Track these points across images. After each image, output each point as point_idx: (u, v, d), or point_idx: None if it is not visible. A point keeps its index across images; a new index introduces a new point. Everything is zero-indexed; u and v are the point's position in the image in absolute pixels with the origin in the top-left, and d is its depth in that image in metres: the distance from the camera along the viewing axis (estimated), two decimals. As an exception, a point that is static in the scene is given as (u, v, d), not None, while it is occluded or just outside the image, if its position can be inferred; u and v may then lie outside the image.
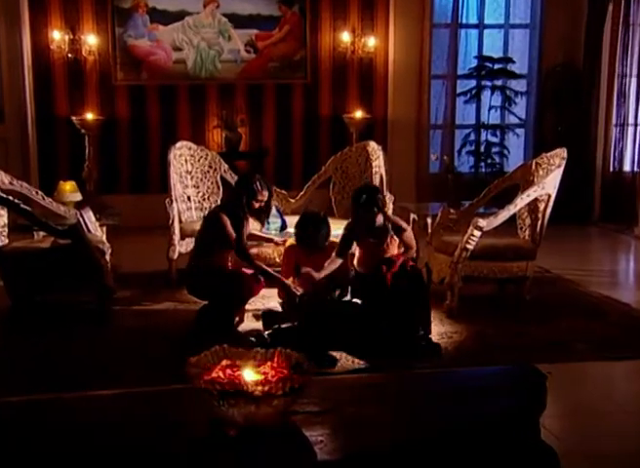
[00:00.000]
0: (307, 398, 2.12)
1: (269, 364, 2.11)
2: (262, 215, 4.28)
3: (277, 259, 4.77)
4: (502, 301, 4.87)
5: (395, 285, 3.94)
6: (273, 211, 5.00)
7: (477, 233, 4.47)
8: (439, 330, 4.20)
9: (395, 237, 4.14)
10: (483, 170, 7.69)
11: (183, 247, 5.23)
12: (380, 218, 4.10)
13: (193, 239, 4.87)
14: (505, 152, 7.84)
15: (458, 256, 4.50)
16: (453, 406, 2.14)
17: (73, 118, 7.01)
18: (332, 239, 4.27)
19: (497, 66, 7.65)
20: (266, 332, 3.89)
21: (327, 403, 2.16)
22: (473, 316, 4.48)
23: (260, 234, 4.68)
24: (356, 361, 3.68)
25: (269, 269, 4.13)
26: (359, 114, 7.39)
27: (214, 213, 4.24)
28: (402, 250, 4.18)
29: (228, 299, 4.01)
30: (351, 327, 3.82)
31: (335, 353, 3.72)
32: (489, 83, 7.68)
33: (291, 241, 4.25)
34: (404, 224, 4.26)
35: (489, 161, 7.71)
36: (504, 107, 7.80)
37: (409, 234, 4.23)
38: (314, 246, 4.03)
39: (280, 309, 4.02)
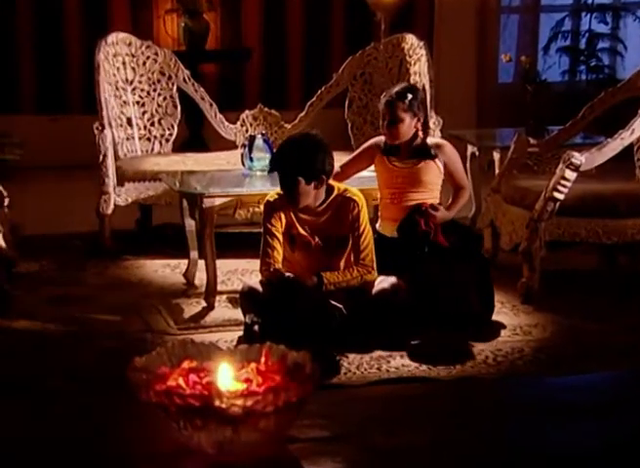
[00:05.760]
0: (311, 418, 2.16)
1: (254, 366, 2.15)
2: None
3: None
4: (609, 279, 4.92)
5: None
6: (259, 142, 5.02)
7: (571, 175, 4.50)
8: (511, 321, 4.28)
9: (438, 163, 4.32)
10: (583, 77, 7.68)
11: (122, 196, 5.27)
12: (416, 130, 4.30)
13: (136, 184, 4.92)
14: (620, 48, 7.81)
15: (540, 211, 4.54)
16: (535, 429, 2.17)
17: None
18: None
19: None
20: (247, 319, 4.00)
21: (339, 426, 2.21)
22: (563, 301, 4.53)
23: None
24: (384, 367, 3.78)
25: None
26: (391, -9, 7.38)
27: None
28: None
29: None
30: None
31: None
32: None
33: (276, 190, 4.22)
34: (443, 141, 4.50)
35: (593, 63, 7.68)
36: (620, -23, 7.76)
37: (454, 157, 4.39)
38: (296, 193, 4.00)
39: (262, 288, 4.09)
